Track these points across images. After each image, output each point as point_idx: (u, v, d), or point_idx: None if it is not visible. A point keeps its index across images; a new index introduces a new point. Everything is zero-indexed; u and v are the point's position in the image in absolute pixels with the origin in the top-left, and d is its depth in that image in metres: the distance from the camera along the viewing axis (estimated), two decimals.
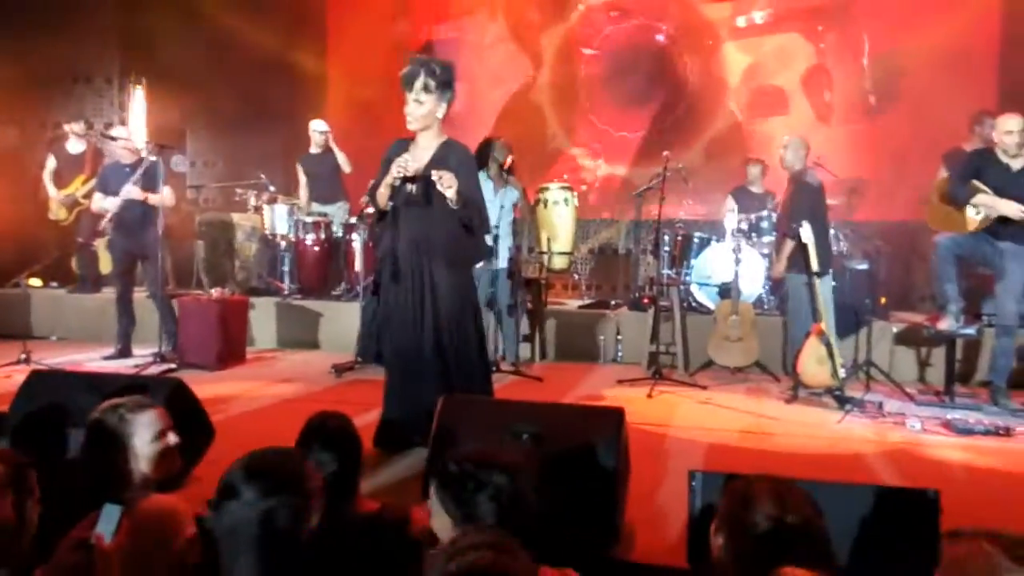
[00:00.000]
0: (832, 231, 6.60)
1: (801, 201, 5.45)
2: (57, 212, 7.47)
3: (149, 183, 5.89)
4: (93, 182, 7.31)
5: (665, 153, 6.31)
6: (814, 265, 5.13)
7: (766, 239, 6.72)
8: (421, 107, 3.61)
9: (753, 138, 8.79)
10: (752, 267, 6.45)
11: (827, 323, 5.13)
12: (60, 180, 7.46)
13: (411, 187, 3.67)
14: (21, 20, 8.03)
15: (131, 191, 5.87)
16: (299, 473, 1.75)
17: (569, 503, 2.53)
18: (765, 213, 6.85)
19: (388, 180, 3.65)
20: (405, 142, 3.82)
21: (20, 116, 8.45)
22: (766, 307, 6.70)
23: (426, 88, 3.58)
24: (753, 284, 6.52)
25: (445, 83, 3.62)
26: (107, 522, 1.76)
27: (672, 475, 3.50)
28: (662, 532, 2.85)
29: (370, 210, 5.24)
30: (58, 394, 3.01)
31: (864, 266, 6.38)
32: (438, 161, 3.63)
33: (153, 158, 5.94)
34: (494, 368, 5.75)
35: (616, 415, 2.79)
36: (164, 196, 5.92)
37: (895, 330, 6.06)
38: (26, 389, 3.10)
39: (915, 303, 7.47)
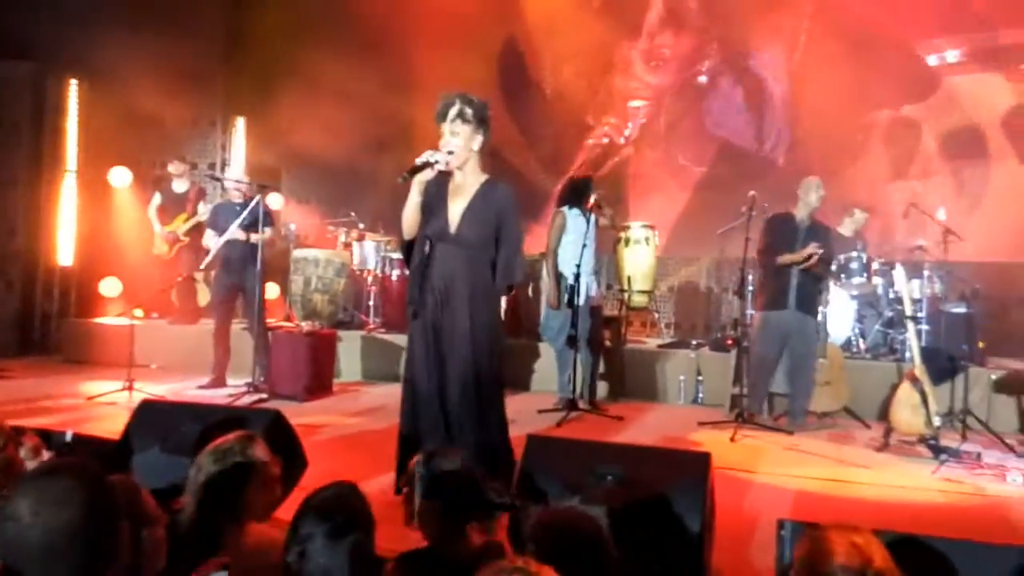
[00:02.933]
0: (927, 272, 6.43)
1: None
2: (160, 247, 7.90)
3: (253, 223, 6.20)
4: (194, 220, 7.76)
5: (751, 193, 6.25)
6: (908, 309, 4.99)
7: (855, 280, 6.55)
8: (456, 138, 3.45)
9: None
10: (840, 309, 6.29)
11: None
12: (164, 217, 7.88)
13: (447, 223, 3.49)
14: (131, 64, 8.57)
15: (235, 232, 6.20)
16: (357, 499, 1.88)
17: (654, 548, 2.52)
18: (854, 254, 6.69)
19: (415, 190, 3.44)
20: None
21: (134, 157, 8.98)
22: (855, 350, 6.50)
23: (462, 116, 3.44)
24: (841, 326, 6.36)
25: (481, 118, 3.49)
26: None
27: (758, 523, 3.43)
28: None
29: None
30: (165, 423, 3.17)
31: (960, 309, 6.14)
32: (481, 199, 3.50)
33: (258, 198, 6.26)
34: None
35: (703, 459, 2.77)
36: (265, 235, 6.22)
37: (993, 377, 5.79)
38: (136, 419, 3.28)
39: (1015, 349, 7.11)
